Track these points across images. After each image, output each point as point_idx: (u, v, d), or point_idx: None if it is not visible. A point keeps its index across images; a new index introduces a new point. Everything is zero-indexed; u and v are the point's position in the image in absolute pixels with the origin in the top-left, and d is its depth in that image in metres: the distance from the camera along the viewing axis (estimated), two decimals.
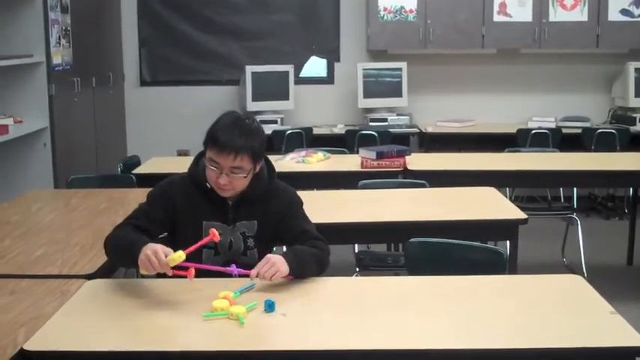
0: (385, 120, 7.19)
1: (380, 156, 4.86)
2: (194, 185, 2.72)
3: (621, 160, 5.43)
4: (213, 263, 2.62)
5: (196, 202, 2.71)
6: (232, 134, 2.57)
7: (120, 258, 2.65)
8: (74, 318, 2.32)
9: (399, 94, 7.29)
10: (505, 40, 7.23)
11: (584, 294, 2.51)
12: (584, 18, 7.17)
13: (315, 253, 2.66)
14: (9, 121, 5.37)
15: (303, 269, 2.58)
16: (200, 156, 2.75)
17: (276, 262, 2.48)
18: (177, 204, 2.70)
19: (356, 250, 4.37)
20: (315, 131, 6.98)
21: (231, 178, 2.61)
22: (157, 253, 2.37)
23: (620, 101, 7.32)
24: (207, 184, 2.68)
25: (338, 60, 7.66)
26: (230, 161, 2.57)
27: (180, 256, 2.37)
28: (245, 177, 2.64)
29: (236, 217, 2.72)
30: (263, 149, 2.69)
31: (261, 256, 2.66)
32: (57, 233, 3.37)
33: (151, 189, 2.80)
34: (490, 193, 4.12)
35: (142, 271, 2.44)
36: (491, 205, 3.90)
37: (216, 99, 7.45)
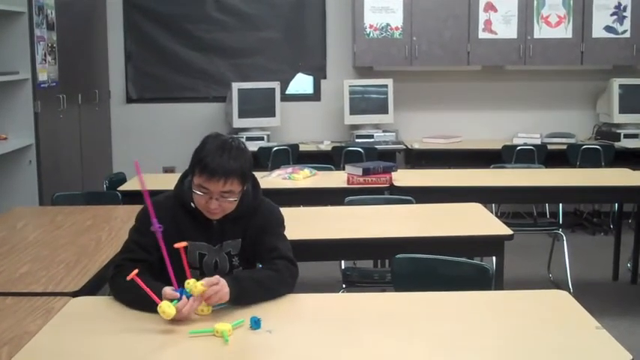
0: (371, 136, 7.20)
1: (366, 172, 4.87)
2: (179, 205, 2.70)
3: (606, 176, 5.46)
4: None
5: (181, 222, 2.68)
6: (222, 160, 2.53)
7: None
8: (58, 336, 2.30)
9: (385, 111, 7.31)
10: (490, 57, 7.27)
11: (570, 309, 2.51)
12: (569, 35, 7.23)
13: (265, 279, 2.57)
14: None
15: (245, 298, 2.48)
16: (185, 175, 2.72)
17: (224, 288, 2.40)
18: (164, 224, 2.65)
19: (342, 267, 4.37)
20: (302, 148, 6.98)
21: (221, 202, 2.58)
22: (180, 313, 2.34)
23: (605, 117, 7.37)
24: (192, 204, 2.65)
25: (324, 77, 7.68)
26: (220, 186, 2.54)
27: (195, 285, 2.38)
28: (235, 200, 2.61)
29: (221, 236, 2.69)
30: (251, 169, 2.66)
31: None
32: (42, 250, 3.34)
33: (138, 211, 2.74)
34: (476, 209, 4.13)
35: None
36: (477, 221, 3.90)
37: (203, 116, 7.46)
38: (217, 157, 2.53)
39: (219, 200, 2.57)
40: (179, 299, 2.36)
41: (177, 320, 2.34)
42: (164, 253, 2.45)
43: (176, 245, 2.46)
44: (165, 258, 2.45)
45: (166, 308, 2.32)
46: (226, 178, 2.53)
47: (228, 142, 2.61)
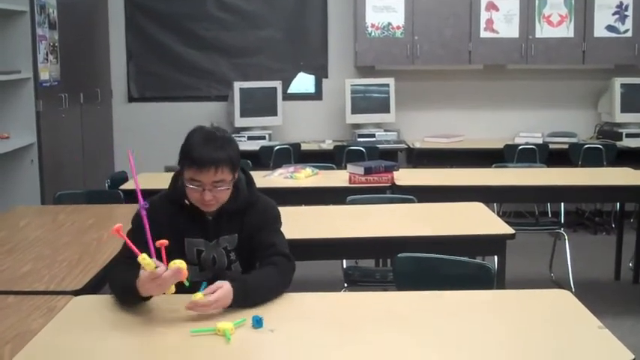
0: (373, 136, 7.21)
1: (368, 171, 4.87)
2: (174, 204, 2.72)
3: (608, 175, 5.46)
4: (199, 279, 2.60)
5: (177, 220, 2.70)
6: (208, 149, 2.56)
7: (128, 303, 2.55)
8: (61, 334, 2.30)
9: (386, 110, 7.32)
10: (492, 56, 7.27)
11: (572, 309, 2.51)
12: (571, 34, 7.23)
13: (268, 279, 2.58)
14: None
15: (250, 301, 2.48)
16: (178, 174, 2.74)
17: (223, 298, 2.39)
18: (160, 224, 2.62)
19: (344, 266, 4.37)
20: (304, 147, 6.98)
21: (215, 193, 2.60)
22: (153, 275, 2.35)
23: (607, 117, 7.38)
24: (187, 202, 2.67)
25: (326, 76, 7.68)
26: (211, 176, 2.56)
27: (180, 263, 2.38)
28: (228, 189, 2.64)
29: (217, 232, 2.71)
30: (239, 157, 2.68)
31: (244, 269, 2.69)
32: (44, 249, 3.35)
33: (134, 214, 2.73)
34: (478, 208, 4.13)
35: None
36: (479, 220, 3.90)
37: (205, 115, 7.45)
38: (204, 147, 2.57)
39: (212, 191, 2.59)
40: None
41: (154, 285, 2.36)
42: (147, 231, 2.43)
43: (158, 243, 2.44)
44: (147, 237, 2.43)
45: (147, 259, 2.32)
46: (216, 166, 2.56)
47: (212, 132, 2.65)
